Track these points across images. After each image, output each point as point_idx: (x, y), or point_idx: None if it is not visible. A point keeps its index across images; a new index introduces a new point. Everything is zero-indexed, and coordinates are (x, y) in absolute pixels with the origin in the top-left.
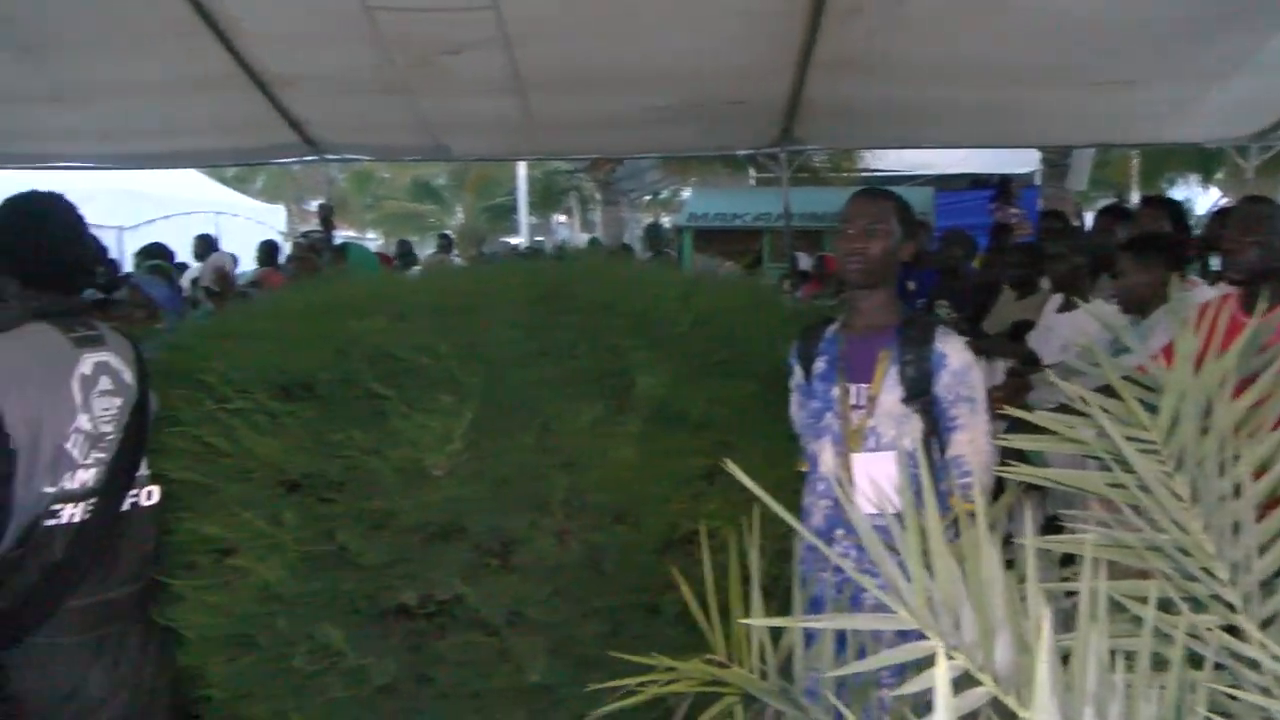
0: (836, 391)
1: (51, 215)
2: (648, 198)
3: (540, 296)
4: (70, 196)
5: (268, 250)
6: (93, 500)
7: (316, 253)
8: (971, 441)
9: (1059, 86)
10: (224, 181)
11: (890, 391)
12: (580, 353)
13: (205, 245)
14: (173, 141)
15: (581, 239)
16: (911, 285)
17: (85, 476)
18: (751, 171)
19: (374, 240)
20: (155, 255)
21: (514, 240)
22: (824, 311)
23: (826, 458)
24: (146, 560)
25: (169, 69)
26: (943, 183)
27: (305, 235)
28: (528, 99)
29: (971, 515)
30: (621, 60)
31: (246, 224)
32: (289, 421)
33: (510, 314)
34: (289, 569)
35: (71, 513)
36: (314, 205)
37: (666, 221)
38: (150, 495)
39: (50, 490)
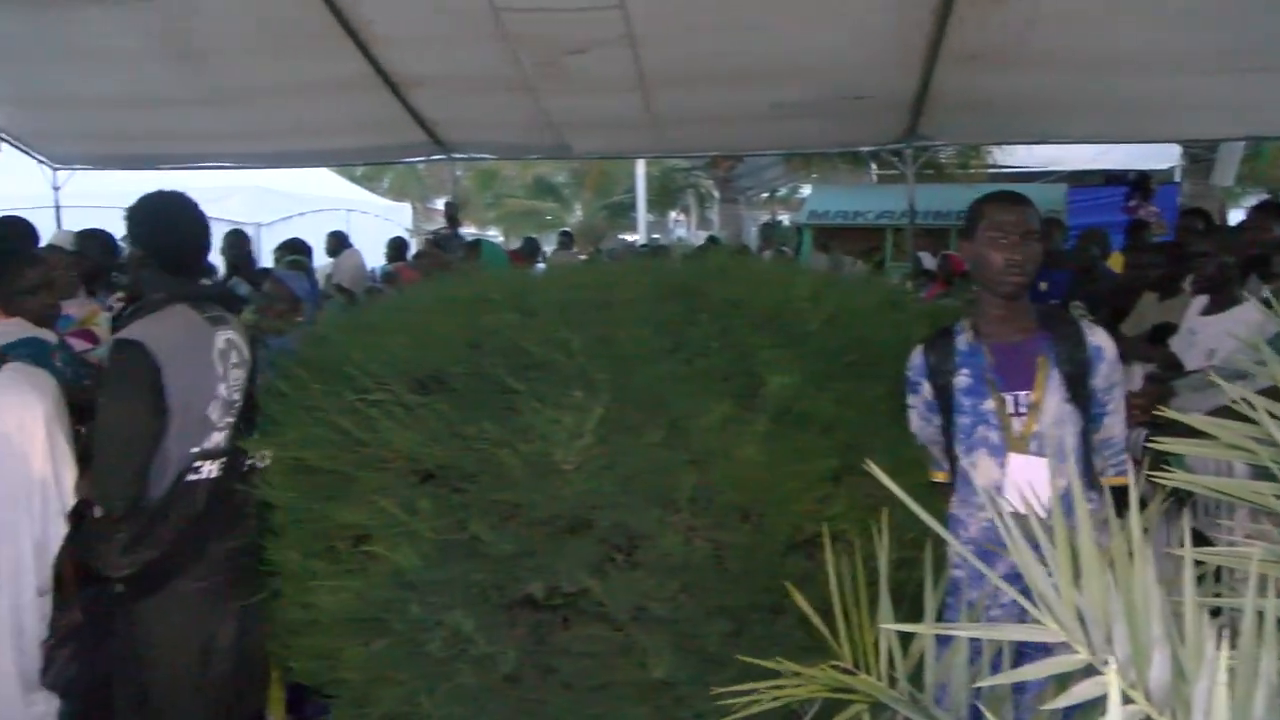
0: (990, 404)
1: (185, 210)
2: (765, 195)
3: (671, 294)
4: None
5: (397, 246)
6: (223, 459)
7: (444, 249)
8: (1121, 422)
9: (1206, 75)
10: (353, 180)
11: (1053, 394)
12: (710, 350)
13: (337, 242)
14: (310, 141)
15: (698, 237)
16: (1044, 286)
17: (219, 438)
18: (873, 168)
19: (495, 237)
20: (294, 250)
21: (631, 238)
22: (952, 313)
23: (984, 470)
24: (253, 517)
25: (309, 72)
26: (1075, 179)
27: (434, 233)
28: (650, 96)
29: (1123, 493)
30: (745, 56)
31: (375, 221)
32: (424, 413)
33: (640, 311)
34: (423, 557)
35: (210, 469)
36: (438, 203)
37: (784, 219)
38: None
39: (195, 450)
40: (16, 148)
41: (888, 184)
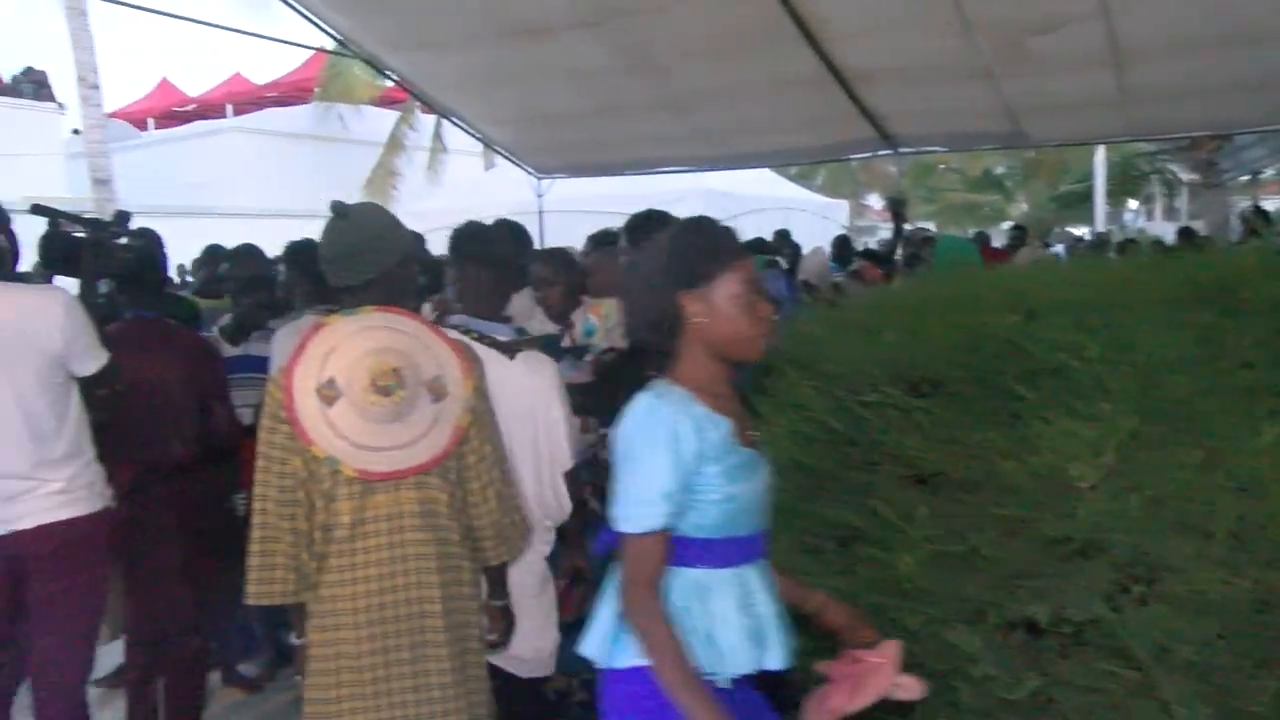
0: None
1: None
2: (1245, 178)
3: (1203, 295)
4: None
5: (842, 244)
6: None
7: (892, 250)
8: None
9: None
10: (789, 178)
11: None
12: (1256, 361)
13: (784, 241)
14: (758, 142)
15: (1161, 229)
16: None
17: None
18: None
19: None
20: (765, 250)
21: (1077, 231)
22: None
23: None
24: None
25: (761, 73)
26: None
27: (915, 231)
28: (1123, 73)
29: None
30: (1237, 16)
31: (812, 219)
32: (919, 417)
33: (1167, 314)
34: (919, 564)
35: None
36: (871, 199)
37: (1268, 204)
38: None
39: None
40: (510, 160)
41: None
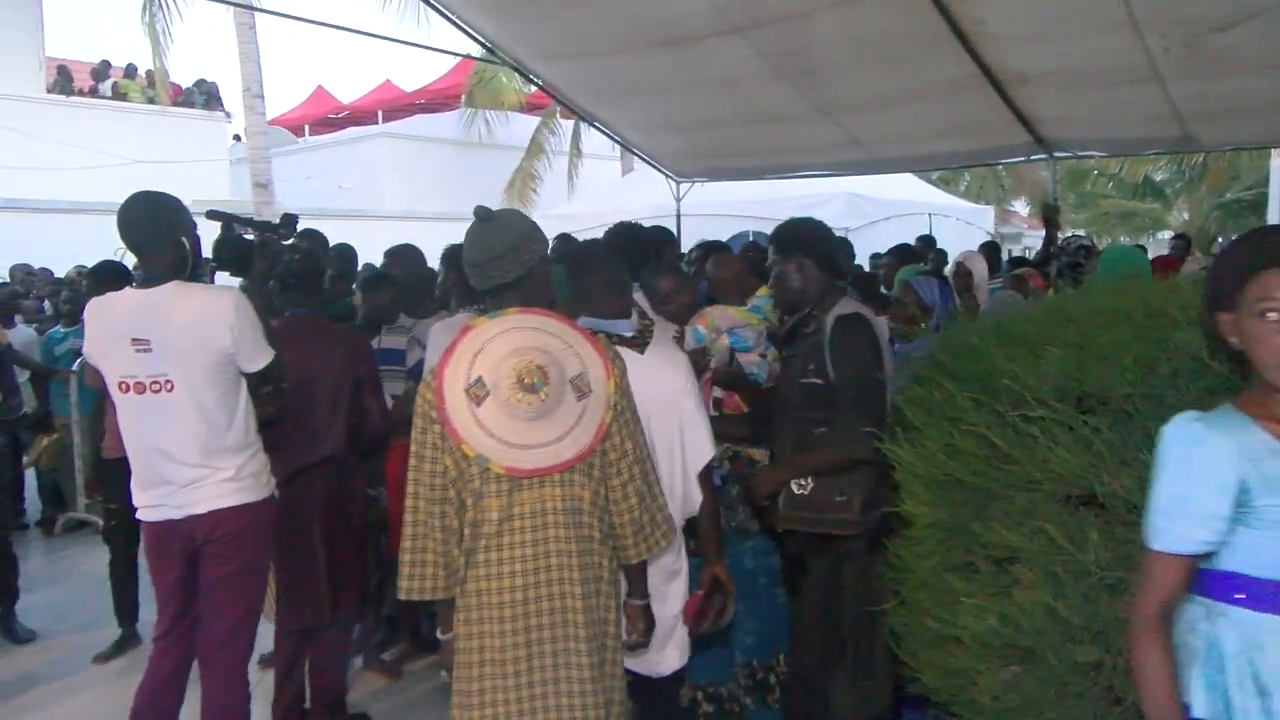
0: None
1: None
2: None
3: None
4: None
5: (993, 251)
6: None
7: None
8: None
9: None
10: (931, 183)
11: None
12: None
13: (928, 246)
14: (906, 147)
15: None
16: None
17: None
18: None
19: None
20: (912, 256)
21: None
22: None
23: None
24: None
25: (911, 79)
26: None
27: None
28: None
29: None
30: None
31: (956, 224)
32: (1088, 435)
33: None
34: (1080, 590)
35: None
36: (1016, 205)
37: None
38: None
39: None
40: (650, 164)
41: None
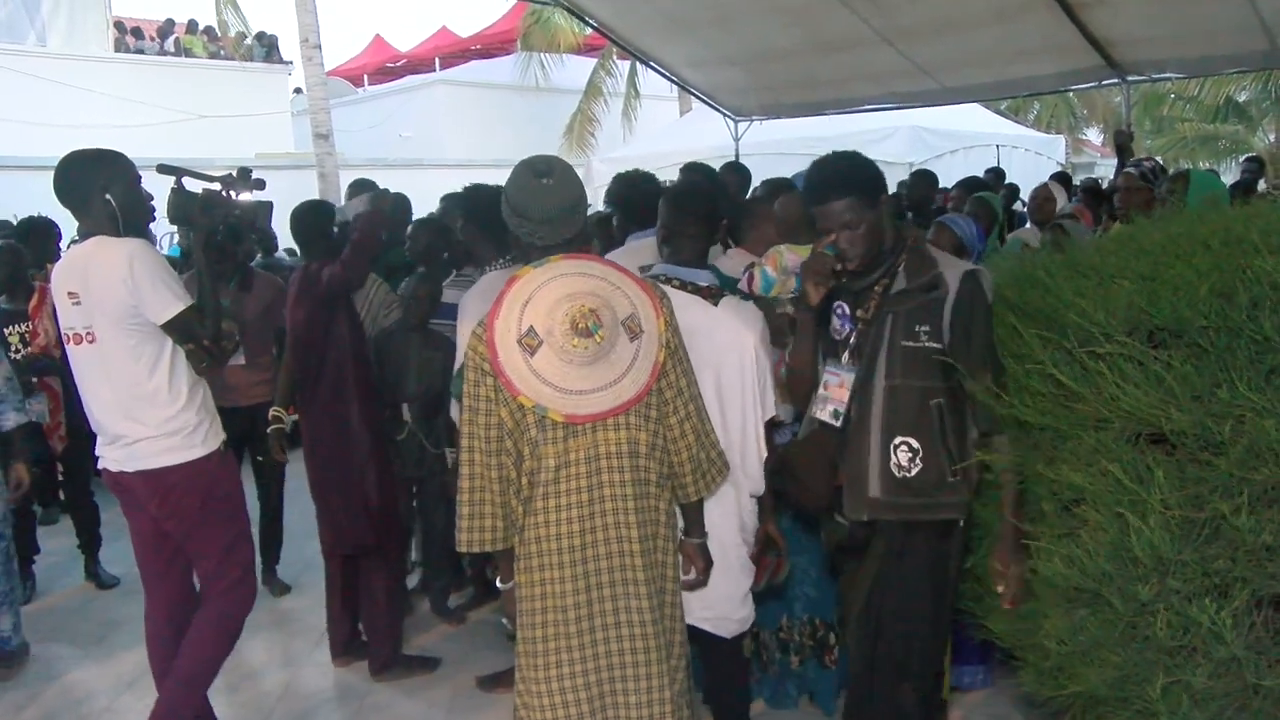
0: None
1: None
2: None
3: None
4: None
5: (1065, 182)
6: None
7: (1149, 181)
8: None
9: None
10: (999, 113)
11: None
12: None
13: (998, 179)
14: (974, 75)
15: None
16: None
17: None
18: None
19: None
20: (981, 188)
21: None
22: None
23: None
24: None
25: (980, 2)
26: None
27: (1136, 164)
28: None
29: None
30: None
31: (1026, 155)
32: (1160, 371)
33: None
34: (1152, 531)
35: None
36: (1090, 134)
37: None
38: None
39: None
40: (707, 103)
41: None
